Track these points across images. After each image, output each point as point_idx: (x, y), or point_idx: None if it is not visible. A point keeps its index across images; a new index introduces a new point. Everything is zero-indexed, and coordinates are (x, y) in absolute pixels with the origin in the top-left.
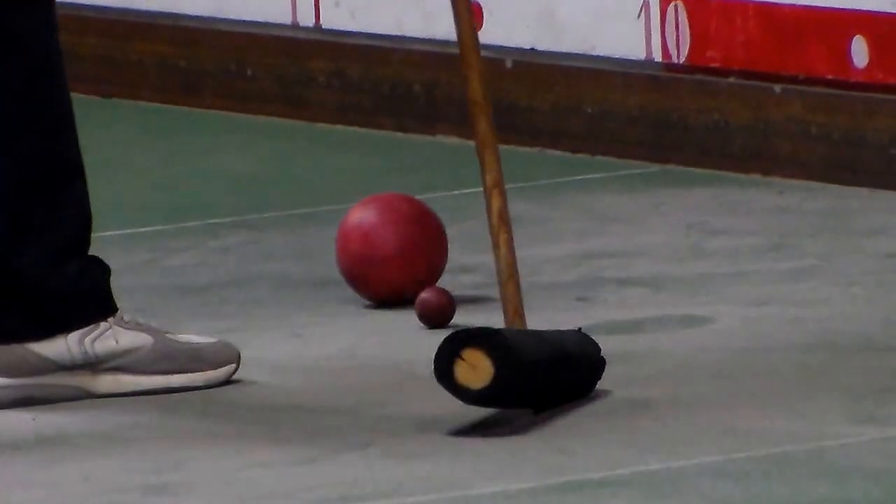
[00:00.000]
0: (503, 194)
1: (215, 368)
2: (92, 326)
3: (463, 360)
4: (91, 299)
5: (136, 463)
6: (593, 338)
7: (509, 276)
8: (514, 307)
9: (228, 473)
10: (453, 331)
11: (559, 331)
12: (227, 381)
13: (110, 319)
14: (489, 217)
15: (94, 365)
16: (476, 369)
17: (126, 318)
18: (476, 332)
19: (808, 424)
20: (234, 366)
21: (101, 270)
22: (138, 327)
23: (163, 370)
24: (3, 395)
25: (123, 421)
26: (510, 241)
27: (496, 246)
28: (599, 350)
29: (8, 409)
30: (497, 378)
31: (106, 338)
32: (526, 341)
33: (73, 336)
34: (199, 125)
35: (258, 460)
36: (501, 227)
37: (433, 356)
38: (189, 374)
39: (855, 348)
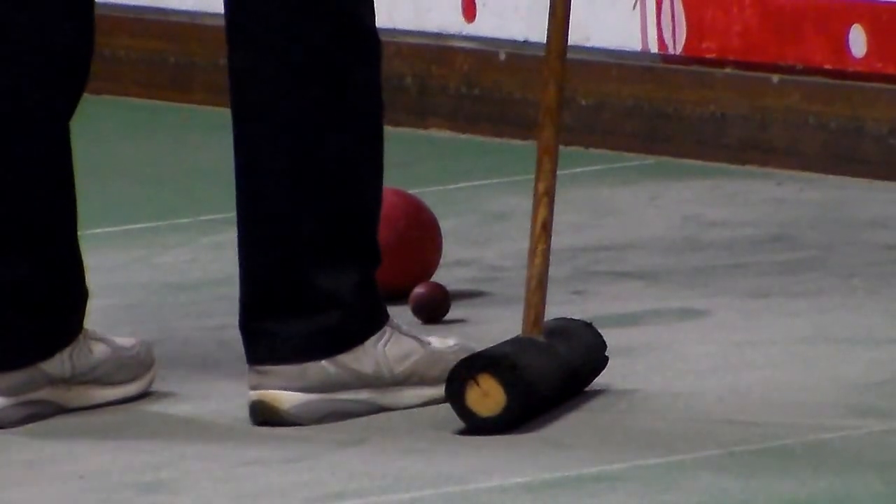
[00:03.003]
0: (551, 205)
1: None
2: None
3: (477, 384)
4: (79, 313)
5: (130, 461)
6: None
7: (538, 285)
8: (536, 316)
9: (223, 471)
10: (474, 352)
11: (570, 329)
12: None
13: (84, 332)
14: (532, 225)
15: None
16: (488, 397)
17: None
18: (498, 361)
19: (807, 417)
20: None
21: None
22: (100, 339)
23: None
24: (10, 414)
25: (117, 419)
26: (547, 252)
27: (532, 254)
28: (605, 348)
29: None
30: (507, 411)
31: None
32: (542, 373)
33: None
34: (192, 122)
35: (253, 457)
36: (542, 236)
37: (448, 375)
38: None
39: (855, 340)
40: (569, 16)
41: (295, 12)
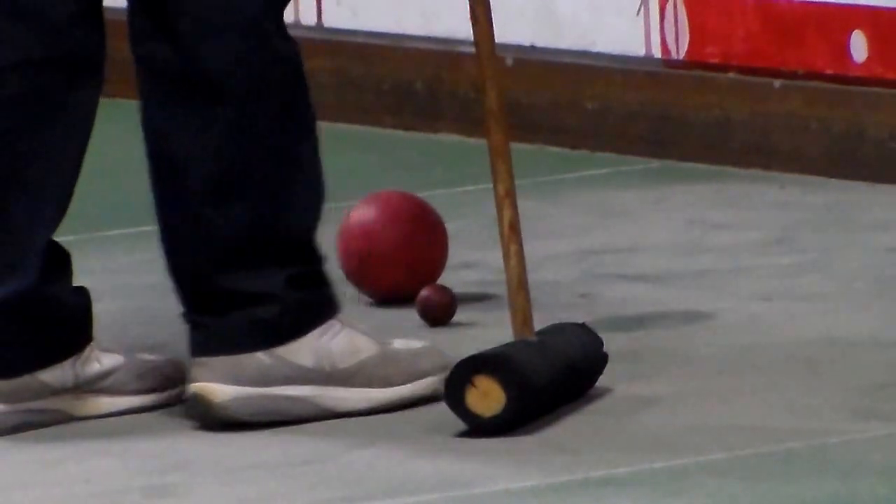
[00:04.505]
0: (514, 205)
1: (432, 375)
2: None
3: (475, 386)
4: (85, 323)
5: (136, 463)
6: (596, 334)
7: (519, 286)
8: (523, 317)
9: (229, 474)
10: (467, 356)
11: (563, 328)
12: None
13: (92, 343)
14: (500, 227)
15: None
16: (487, 397)
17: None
18: (491, 360)
19: (812, 421)
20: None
21: (86, 295)
22: (111, 349)
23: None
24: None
25: (124, 423)
26: (520, 251)
27: (506, 256)
28: (602, 345)
29: (6, 434)
30: (508, 408)
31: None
32: (536, 366)
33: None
34: None
35: (258, 461)
36: (512, 237)
37: (445, 382)
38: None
39: (858, 343)
40: (491, 20)
41: (210, 19)
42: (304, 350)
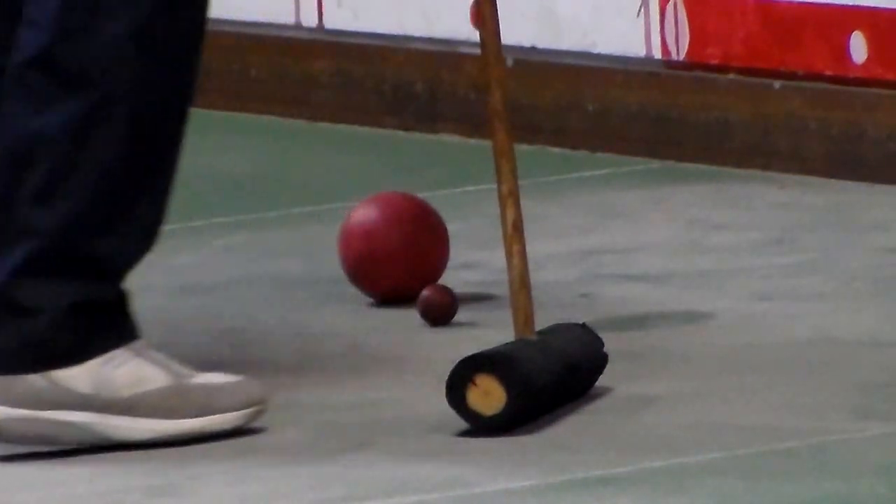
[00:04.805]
0: (518, 204)
1: (231, 412)
2: (112, 354)
3: (476, 385)
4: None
5: (138, 464)
6: (597, 334)
7: (521, 285)
8: (525, 316)
9: (231, 474)
10: (468, 355)
11: (564, 328)
12: (245, 425)
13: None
14: (503, 226)
15: (107, 403)
16: (488, 396)
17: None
18: (491, 359)
19: (811, 420)
20: (256, 409)
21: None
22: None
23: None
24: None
25: None
26: (523, 251)
27: (509, 255)
28: (602, 345)
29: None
30: (510, 406)
31: (125, 369)
32: (537, 365)
33: (89, 363)
34: (202, 125)
35: (260, 461)
36: (515, 236)
37: (446, 381)
38: (204, 419)
39: (857, 343)
40: (498, 22)
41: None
42: (83, 376)
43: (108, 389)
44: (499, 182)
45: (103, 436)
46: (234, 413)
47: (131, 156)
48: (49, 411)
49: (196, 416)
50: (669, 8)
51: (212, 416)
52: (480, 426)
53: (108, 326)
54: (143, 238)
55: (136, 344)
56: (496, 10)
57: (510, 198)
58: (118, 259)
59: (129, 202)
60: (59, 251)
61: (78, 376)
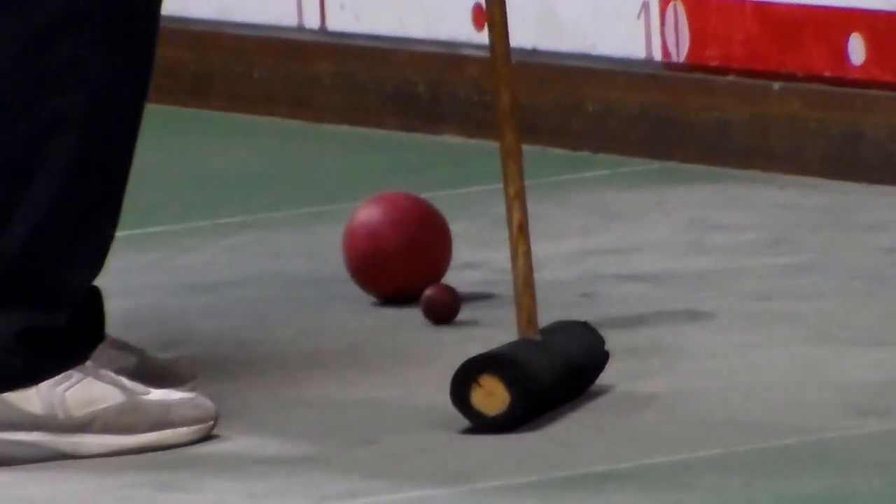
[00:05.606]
0: (524, 206)
1: (186, 426)
2: (64, 375)
3: (480, 385)
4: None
5: (147, 458)
6: (598, 332)
7: (525, 286)
8: (529, 317)
9: (238, 470)
10: (473, 356)
11: (566, 326)
12: (198, 440)
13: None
14: (509, 228)
15: (62, 423)
16: (492, 396)
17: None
18: (496, 360)
19: (809, 417)
20: (209, 424)
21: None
22: (125, 347)
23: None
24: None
25: None
26: (528, 252)
27: (514, 256)
28: (603, 343)
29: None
30: (513, 407)
31: (78, 389)
32: (540, 365)
33: (43, 385)
34: (207, 126)
35: (266, 456)
36: (521, 238)
37: (451, 380)
38: (158, 433)
39: (856, 341)
40: (507, 23)
41: None
42: (35, 398)
43: (62, 409)
44: (506, 184)
45: (59, 452)
46: (189, 428)
47: (78, 186)
48: (4, 432)
49: (147, 431)
50: (669, 10)
51: (163, 431)
52: (483, 426)
53: (60, 349)
54: (92, 262)
55: (89, 364)
56: (505, 13)
57: (517, 199)
58: (68, 285)
59: (77, 230)
60: (7, 279)
61: (30, 398)
